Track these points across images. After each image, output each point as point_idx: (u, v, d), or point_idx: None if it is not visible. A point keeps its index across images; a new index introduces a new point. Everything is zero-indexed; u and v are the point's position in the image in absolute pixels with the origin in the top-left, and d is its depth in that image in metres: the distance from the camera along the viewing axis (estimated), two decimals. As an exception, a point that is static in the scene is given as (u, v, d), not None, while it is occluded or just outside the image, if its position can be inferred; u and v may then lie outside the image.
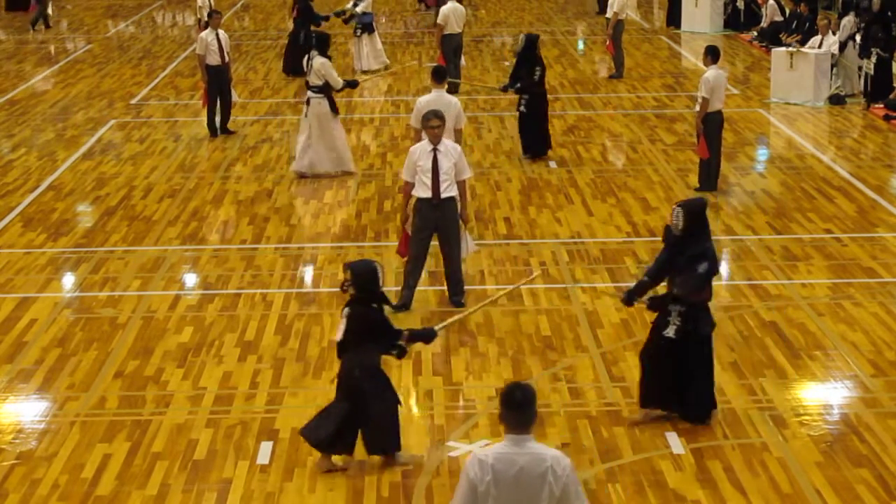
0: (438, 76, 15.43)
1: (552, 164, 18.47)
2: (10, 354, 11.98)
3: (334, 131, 17.88)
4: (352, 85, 18.93)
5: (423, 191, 12.48)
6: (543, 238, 15.08)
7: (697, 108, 16.67)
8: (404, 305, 12.72)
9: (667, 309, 10.05)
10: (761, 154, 19.38)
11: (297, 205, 16.74)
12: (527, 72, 18.54)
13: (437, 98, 15.09)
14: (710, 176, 16.77)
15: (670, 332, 9.98)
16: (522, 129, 18.90)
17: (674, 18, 32.19)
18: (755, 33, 29.08)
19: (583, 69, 26.72)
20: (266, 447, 9.96)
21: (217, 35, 20.40)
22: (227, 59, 20.49)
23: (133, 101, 23.84)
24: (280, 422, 10.43)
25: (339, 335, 9.40)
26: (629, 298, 10.29)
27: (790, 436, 10.06)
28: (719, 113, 16.55)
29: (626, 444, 9.93)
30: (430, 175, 12.40)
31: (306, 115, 17.85)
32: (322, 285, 13.77)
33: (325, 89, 17.73)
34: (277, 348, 11.97)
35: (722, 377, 11.12)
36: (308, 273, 14.21)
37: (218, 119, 20.62)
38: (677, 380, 10.05)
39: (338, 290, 13.09)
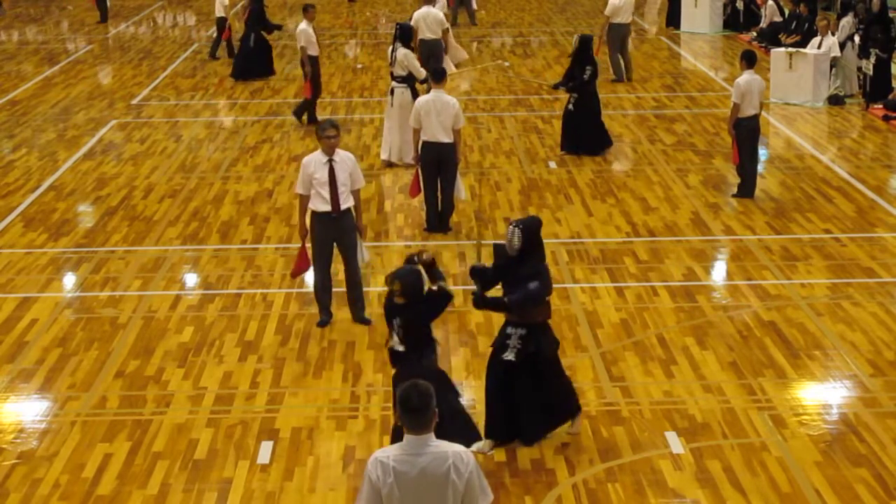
0: (437, 76, 15.46)
1: (552, 165, 18.50)
2: (11, 354, 12.01)
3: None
4: None
5: (321, 204, 12.05)
6: (543, 238, 15.04)
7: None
8: (325, 322, 12.55)
9: (506, 332, 9.77)
10: (760, 154, 19.37)
11: (298, 205, 16.73)
12: (579, 71, 18.67)
13: (435, 98, 15.13)
14: (745, 182, 16.65)
15: (510, 355, 9.69)
16: (567, 126, 18.99)
17: (673, 19, 32.20)
18: (754, 34, 29.09)
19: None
20: (266, 447, 9.99)
21: (313, 28, 20.97)
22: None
23: (134, 102, 23.86)
24: (280, 422, 10.45)
25: (399, 346, 9.14)
26: (473, 273, 9.86)
27: (789, 435, 10.08)
28: (753, 119, 16.33)
29: (626, 443, 9.96)
30: (327, 188, 12.00)
31: (392, 105, 18.21)
32: (322, 285, 13.78)
33: (409, 80, 18.11)
34: (278, 348, 11.99)
35: (721, 377, 11.17)
36: (308, 273, 14.20)
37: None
38: (515, 405, 9.75)
39: (338, 289, 13.16)
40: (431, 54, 22.27)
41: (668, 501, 9.13)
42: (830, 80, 22.72)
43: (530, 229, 9.71)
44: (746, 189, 16.61)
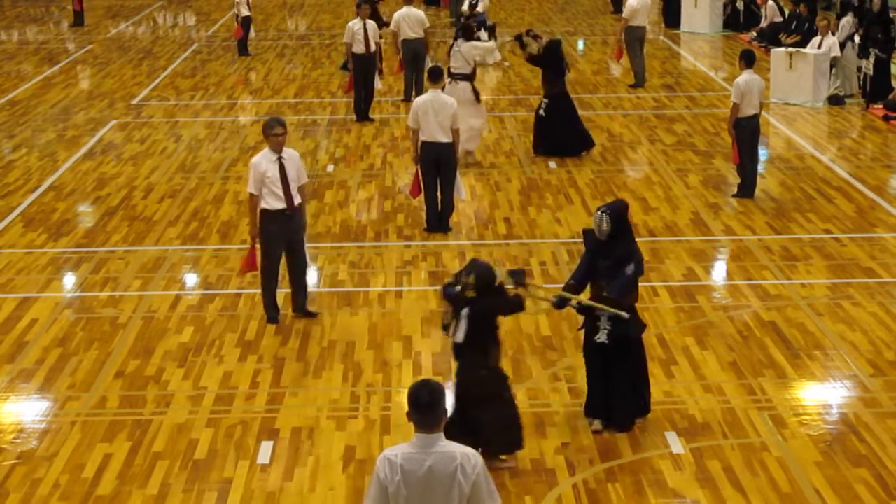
0: (434, 76, 15.46)
1: (552, 165, 18.49)
2: (11, 354, 12.01)
3: (479, 113, 18.42)
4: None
5: (275, 202, 12.13)
6: (543, 238, 15.11)
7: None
8: (274, 319, 12.54)
9: (595, 315, 9.94)
10: (761, 154, 19.36)
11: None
12: (545, 76, 18.65)
13: (433, 98, 15.12)
14: (745, 182, 16.64)
15: (602, 336, 9.89)
16: (539, 130, 18.91)
17: (673, 19, 32.18)
18: (754, 34, 29.09)
19: (582, 69, 26.74)
20: (266, 447, 9.99)
21: (364, 25, 21.09)
22: (372, 48, 21.19)
23: (134, 102, 23.87)
24: (280, 422, 10.45)
25: (460, 336, 9.28)
26: (560, 303, 10.01)
27: (789, 435, 10.08)
28: (753, 118, 16.30)
29: (626, 443, 9.96)
30: (280, 185, 12.11)
31: None
32: (322, 285, 13.79)
33: (470, 76, 18.31)
34: (277, 348, 11.99)
35: (721, 377, 11.16)
36: (308, 273, 14.20)
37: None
38: (609, 386, 10.04)
39: (338, 289, 13.19)
40: (415, 54, 22.28)
41: (668, 501, 9.13)
42: (830, 80, 22.71)
43: (618, 212, 9.90)
44: (746, 189, 16.60)
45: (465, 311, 9.27)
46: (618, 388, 10.01)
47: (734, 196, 16.62)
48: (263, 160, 12.24)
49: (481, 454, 9.06)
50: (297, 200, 12.32)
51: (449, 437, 6.91)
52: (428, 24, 22.55)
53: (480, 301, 9.26)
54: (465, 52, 18.26)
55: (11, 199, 17.25)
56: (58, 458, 9.89)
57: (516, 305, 9.57)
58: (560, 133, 18.68)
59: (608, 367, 9.99)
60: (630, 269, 9.78)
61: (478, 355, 9.36)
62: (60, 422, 10.55)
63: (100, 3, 39.54)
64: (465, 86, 18.25)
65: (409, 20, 22.36)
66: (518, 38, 19.20)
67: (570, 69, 20.58)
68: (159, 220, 16.12)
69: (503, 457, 9.54)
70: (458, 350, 9.43)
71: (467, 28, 19.00)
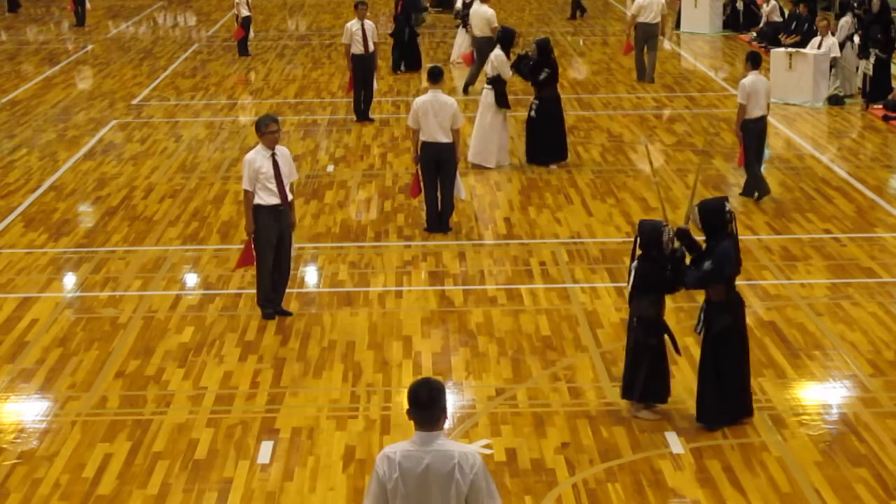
0: (434, 76, 15.43)
1: (552, 165, 18.48)
2: (11, 354, 12.02)
3: (493, 123, 18.32)
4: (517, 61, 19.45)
5: (269, 198, 12.25)
6: (543, 238, 15.11)
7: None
8: (269, 315, 12.61)
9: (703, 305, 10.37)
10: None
11: (297, 205, 16.74)
12: (538, 73, 18.57)
13: (433, 98, 15.12)
14: (748, 183, 16.61)
15: (698, 326, 10.29)
16: (531, 134, 18.78)
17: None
18: (754, 34, 29.09)
19: (583, 69, 26.75)
20: (266, 447, 10.00)
21: (362, 25, 21.09)
22: (371, 48, 21.15)
23: (134, 102, 23.87)
24: (280, 421, 10.46)
25: (629, 286, 10.27)
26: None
27: (789, 435, 10.09)
28: (760, 120, 16.23)
29: (626, 443, 9.97)
30: (274, 181, 12.25)
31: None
32: (322, 285, 13.80)
33: (494, 82, 18.26)
34: (277, 348, 12.00)
35: (721, 377, 11.16)
36: (308, 273, 14.23)
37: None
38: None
39: (338, 289, 13.21)
40: (478, 52, 22.46)
41: (668, 501, 9.14)
42: (830, 80, 22.71)
43: (705, 209, 10.29)
44: (750, 189, 16.55)
45: (633, 265, 10.18)
46: (700, 383, 10.27)
47: (740, 195, 16.57)
48: (258, 156, 12.33)
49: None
50: (289, 197, 12.42)
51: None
52: (495, 24, 22.54)
53: (645, 261, 10.11)
54: (490, 59, 18.31)
55: (12, 199, 17.25)
56: (58, 458, 9.90)
57: (666, 285, 10.21)
58: (548, 136, 18.51)
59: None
60: (707, 264, 10.04)
61: (637, 305, 10.17)
62: (61, 422, 10.56)
63: (100, 3, 39.54)
64: (487, 91, 18.28)
65: (475, 18, 22.83)
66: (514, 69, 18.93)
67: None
68: (159, 220, 16.12)
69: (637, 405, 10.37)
70: (630, 297, 10.34)
71: (507, 36, 18.75)
